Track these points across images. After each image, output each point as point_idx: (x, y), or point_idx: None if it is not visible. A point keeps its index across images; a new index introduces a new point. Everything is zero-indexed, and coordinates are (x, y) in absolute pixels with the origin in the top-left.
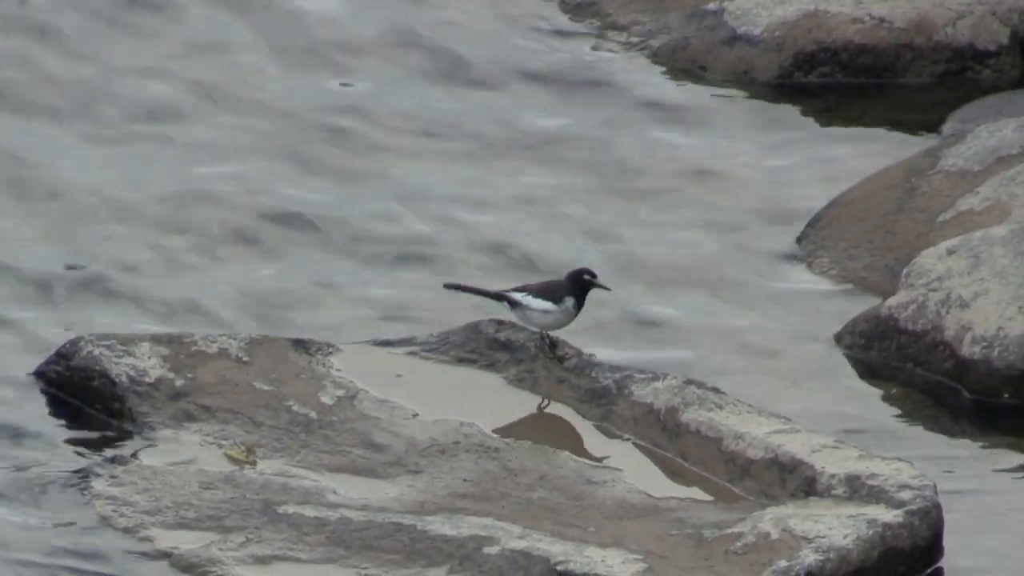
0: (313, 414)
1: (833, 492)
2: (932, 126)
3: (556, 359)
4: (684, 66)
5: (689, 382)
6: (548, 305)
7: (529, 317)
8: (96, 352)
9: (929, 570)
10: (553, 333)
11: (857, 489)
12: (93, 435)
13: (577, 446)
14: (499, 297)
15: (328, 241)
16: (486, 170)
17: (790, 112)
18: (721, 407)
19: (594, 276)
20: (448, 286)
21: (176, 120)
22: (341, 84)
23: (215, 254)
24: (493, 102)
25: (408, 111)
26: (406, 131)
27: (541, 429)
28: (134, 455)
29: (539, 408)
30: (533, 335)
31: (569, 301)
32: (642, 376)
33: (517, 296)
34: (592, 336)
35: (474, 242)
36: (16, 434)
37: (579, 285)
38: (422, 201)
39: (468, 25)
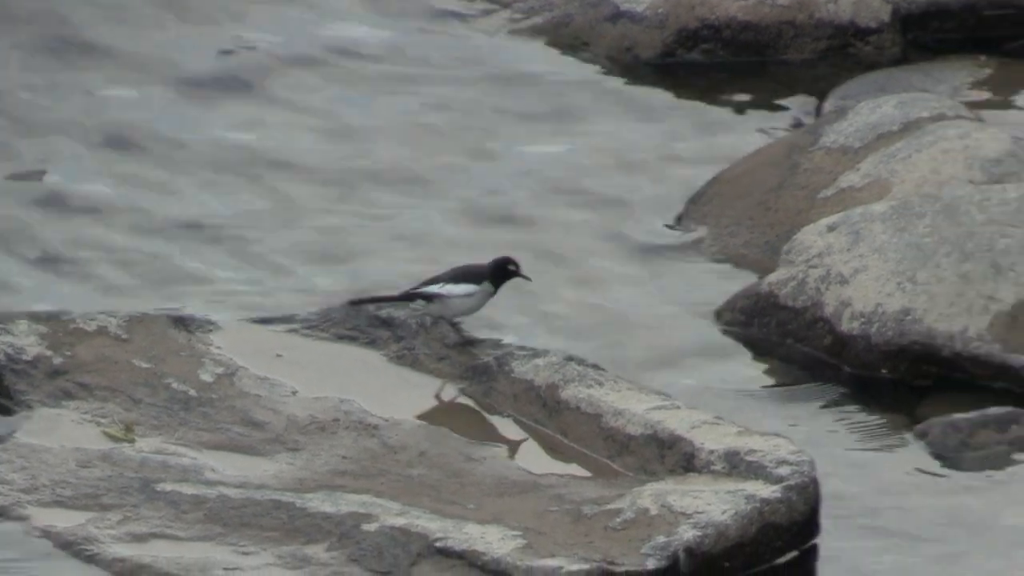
0: (192, 392)
1: (712, 468)
2: (813, 103)
3: (469, 343)
4: (567, 42)
5: (569, 359)
6: (471, 287)
7: (450, 305)
8: None
9: (806, 545)
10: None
11: (736, 465)
12: None
13: (457, 423)
14: (410, 298)
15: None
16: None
17: (672, 89)
18: (601, 384)
19: (517, 266)
20: (353, 303)
21: None
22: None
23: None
24: (377, 81)
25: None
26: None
27: (421, 406)
28: (11, 433)
29: (437, 397)
30: (415, 312)
31: (487, 285)
32: (522, 353)
33: (434, 289)
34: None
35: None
36: None
37: (501, 273)
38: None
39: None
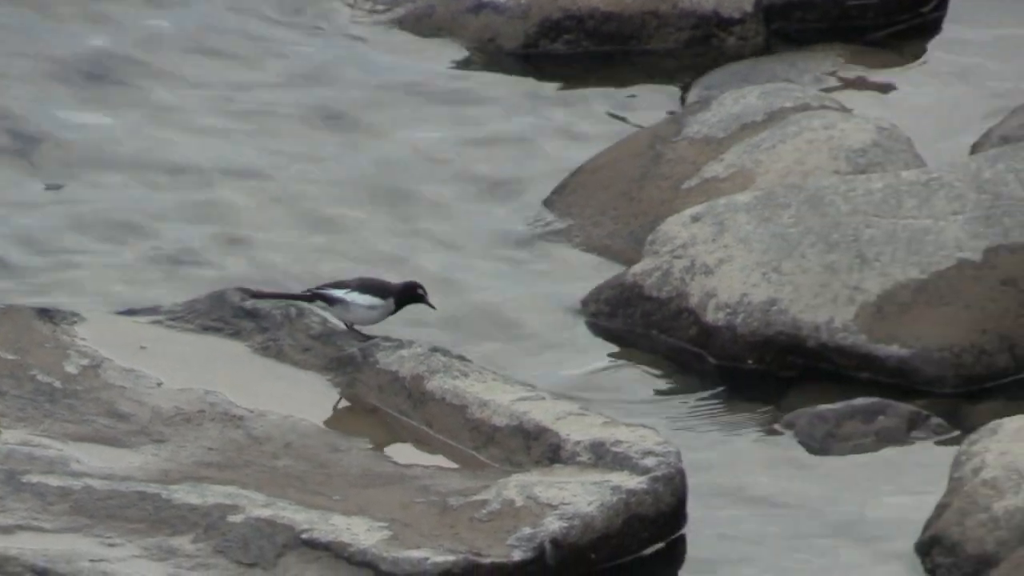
0: (57, 383)
1: (578, 459)
2: (677, 93)
3: (367, 340)
4: (430, 34)
5: (435, 350)
6: (375, 300)
7: (352, 312)
8: None
9: (673, 536)
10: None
11: (602, 456)
12: None
13: (322, 414)
14: (311, 297)
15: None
16: (234, 139)
17: (536, 80)
18: (466, 375)
19: (424, 292)
20: (253, 295)
21: None
22: None
23: None
24: (234, 73)
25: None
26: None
27: (286, 398)
28: None
29: (301, 388)
30: (278, 304)
31: (391, 302)
32: (388, 344)
33: (338, 293)
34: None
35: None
36: None
37: (408, 295)
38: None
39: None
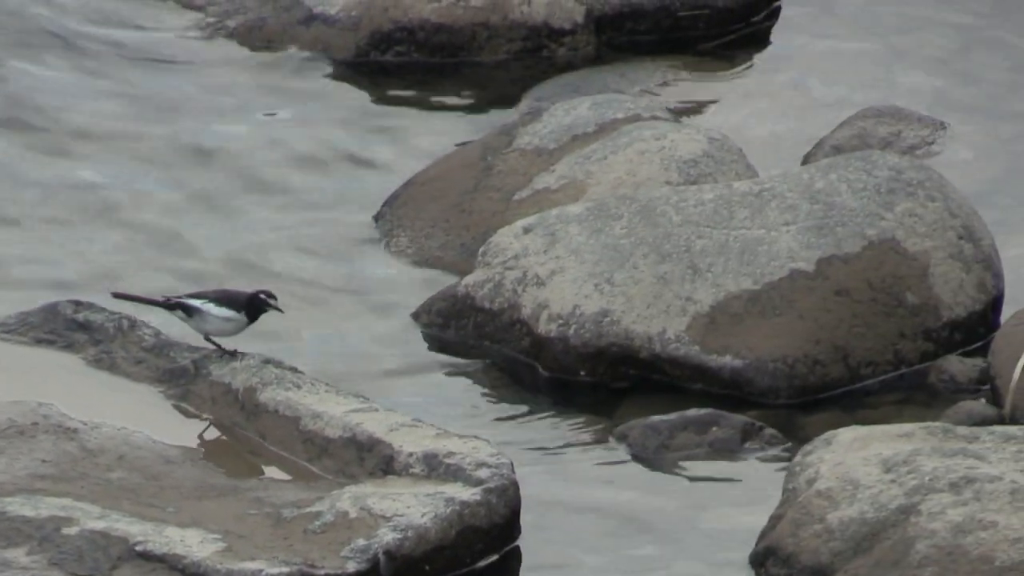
0: None
1: (411, 471)
2: (508, 104)
3: (231, 355)
4: (261, 46)
5: (267, 362)
6: (231, 313)
7: (209, 323)
8: None
9: (507, 548)
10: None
11: (435, 467)
12: None
13: (156, 426)
14: (171, 306)
15: None
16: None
17: (367, 91)
18: (299, 387)
19: (270, 298)
20: (116, 295)
21: None
22: None
23: None
24: (70, 75)
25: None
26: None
27: (119, 410)
28: None
29: (135, 400)
30: (112, 317)
31: (244, 315)
32: (220, 356)
33: (196, 303)
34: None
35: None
36: None
37: (255, 306)
38: None
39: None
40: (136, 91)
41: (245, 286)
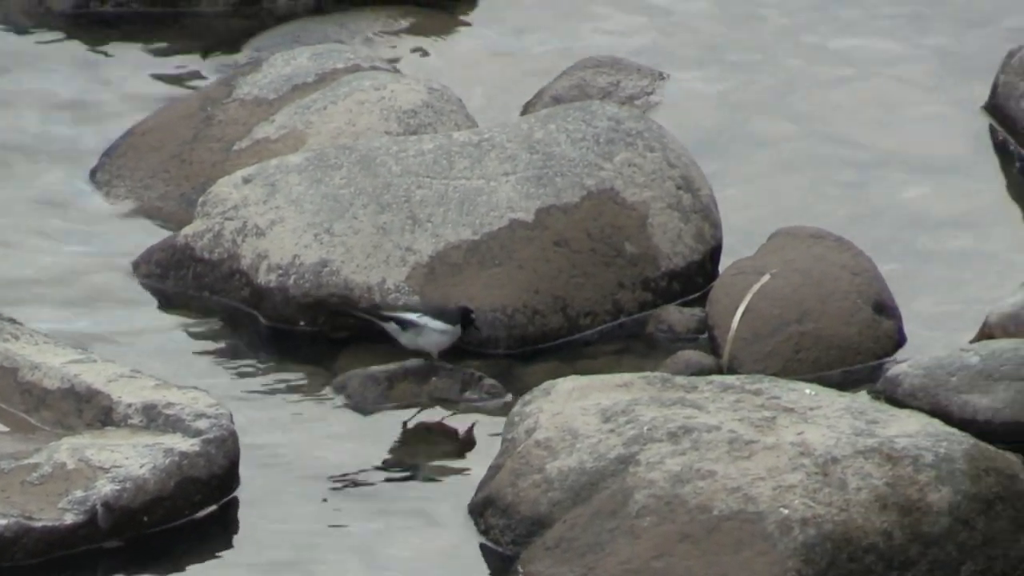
0: None
1: (130, 422)
2: (229, 55)
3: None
4: None
5: None
6: (446, 326)
7: (425, 337)
8: None
9: (226, 499)
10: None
11: (154, 419)
12: None
13: None
14: (387, 319)
15: None
16: None
17: (87, 43)
18: (17, 337)
19: (472, 312)
20: (338, 312)
21: None
22: None
23: None
24: None
25: None
26: None
27: None
28: None
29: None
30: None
31: (458, 328)
32: None
33: (412, 317)
34: None
35: None
36: None
37: (466, 318)
38: None
39: None
40: None
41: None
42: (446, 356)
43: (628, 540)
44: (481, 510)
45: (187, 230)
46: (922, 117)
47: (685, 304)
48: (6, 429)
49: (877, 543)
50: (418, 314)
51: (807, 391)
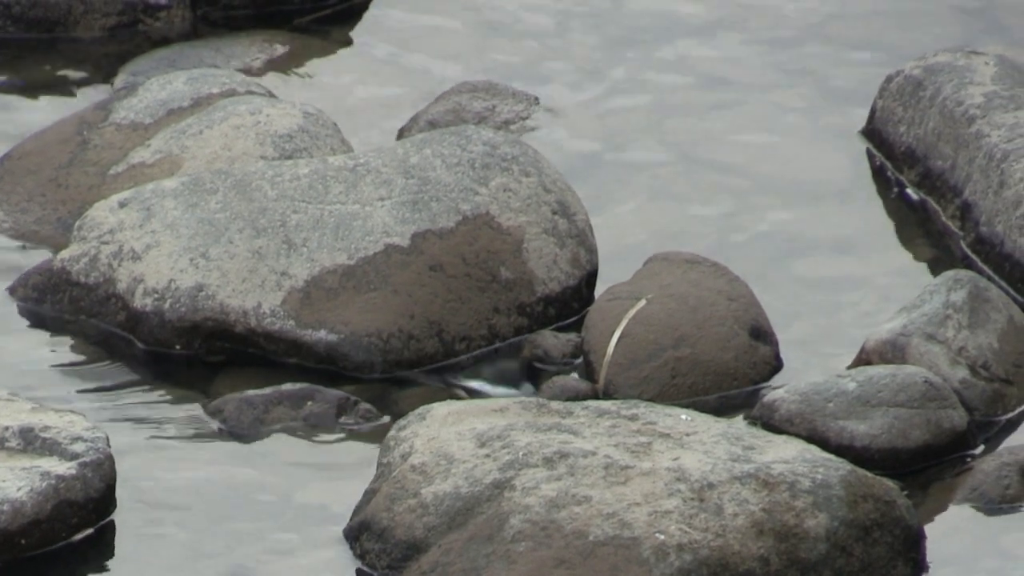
0: None
1: (7, 445)
2: (105, 79)
3: None
4: None
5: None
6: (509, 390)
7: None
8: None
9: (104, 521)
10: None
11: (31, 441)
12: None
13: None
14: (457, 387)
15: None
16: None
17: None
18: None
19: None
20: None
21: None
22: None
23: None
24: None
25: None
26: None
27: None
28: None
29: None
30: None
31: (528, 384)
32: None
33: (475, 385)
34: None
35: None
36: None
37: (532, 375)
38: None
39: None
40: None
41: None
42: (324, 381)
43: (504, 565)
44: (357, 534)
45: (63, 254)
46: (800, 142)
47: (560, 329)
48: None
49: (754, 569)
50: (480, 382)
51: (683, 416)
